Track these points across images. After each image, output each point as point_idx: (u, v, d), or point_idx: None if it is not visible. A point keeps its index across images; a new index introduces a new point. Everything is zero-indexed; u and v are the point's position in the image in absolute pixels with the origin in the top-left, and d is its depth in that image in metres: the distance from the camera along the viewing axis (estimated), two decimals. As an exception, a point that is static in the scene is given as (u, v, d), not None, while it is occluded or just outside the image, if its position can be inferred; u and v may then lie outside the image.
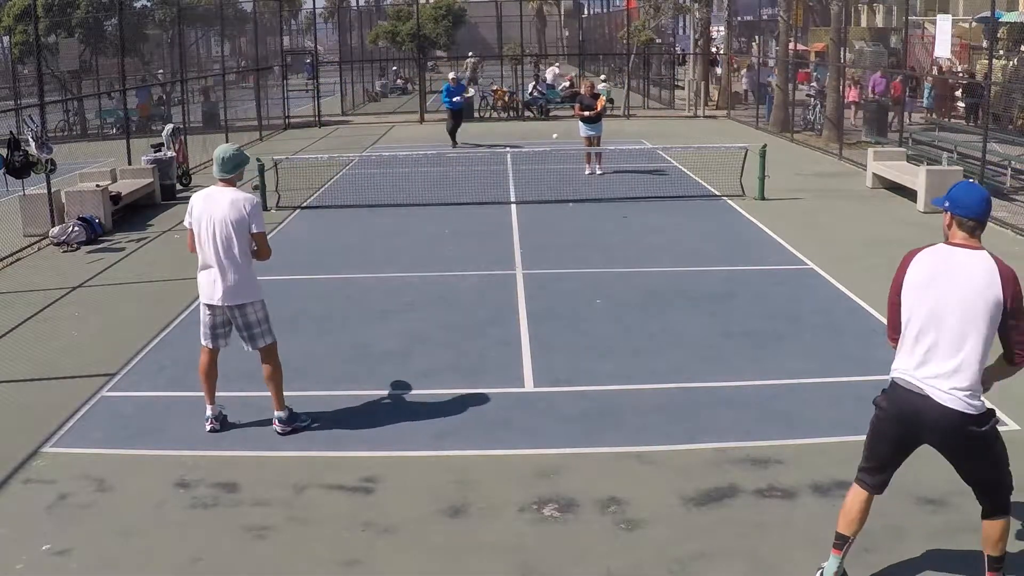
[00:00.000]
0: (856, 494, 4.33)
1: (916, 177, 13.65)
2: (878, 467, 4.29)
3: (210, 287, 6.02)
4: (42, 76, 15.35)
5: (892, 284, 4.21)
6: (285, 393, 6.32)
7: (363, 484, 5.58)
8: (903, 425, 4.13)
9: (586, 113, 16.83)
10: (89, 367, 7.63)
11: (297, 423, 6.31)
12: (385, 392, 6.98)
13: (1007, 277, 3.96)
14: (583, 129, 17.03)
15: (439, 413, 6.59)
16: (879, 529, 4.91)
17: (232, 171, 6.03)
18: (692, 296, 9.34)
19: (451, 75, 22.66)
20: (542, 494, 5.39)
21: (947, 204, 4.15)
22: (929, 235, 12.24)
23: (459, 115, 21.68)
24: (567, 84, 31.53)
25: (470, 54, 40.63)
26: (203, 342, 6.25)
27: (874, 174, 15.28)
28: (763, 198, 14.09)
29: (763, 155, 14.16)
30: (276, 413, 6.26)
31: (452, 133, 21.45)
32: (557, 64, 35.73)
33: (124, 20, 22.79)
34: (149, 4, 34.56)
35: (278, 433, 6.24)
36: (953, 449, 4.13)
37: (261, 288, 6.17)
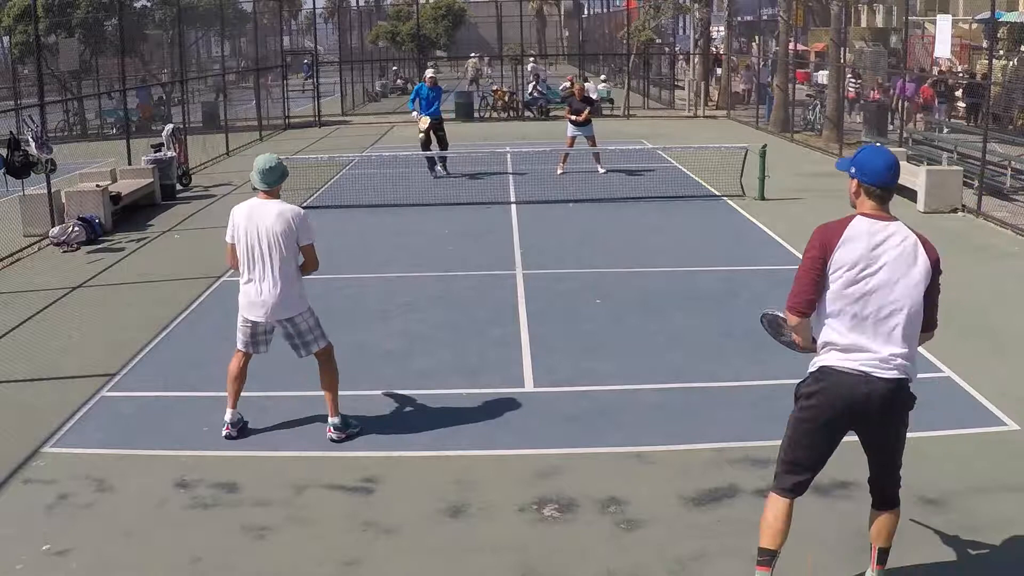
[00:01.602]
0: (774, 503, 4.11)
1: (916, 177, 13.64)
2: (801, 468, 4.11)
3: (255, 303, 5.87)
4: (42, 76, 15.33)
5: (811, 256, 3.95)
6: (285, 393, 6.33)
7: (363, 484, 5.58)
8: (840, 410, 3.95)
9: (573, 117, 16.95)
10: (89, 367, 7.63)
11: (350, 429, 6.19)
12: (385, 392, 6.98)
13: (929, 247, 3.99)
14: (570, 130, 17.11)
15: (439, 413, 6.59)
16: (879, 529, 4.92)
17: (276, 182, 5.85)
18: (692, 296, 9.35)
19: (428, 73, 17.70)
20: (542, 494, 5.39)
21: (853, 170, 4.02)
22: (929, 235, 12.17)
23: (440, 126, 16.71)
24: (567, 84, 31.52)
25: (473, 54, 40.63)
26: (239, 347, 6.11)
27: (874, 174, 15.25)
28: (763, 198, 14.09)
29: (763, 155, 14.16)
30: (331, 420, 6.12)
31: (428, 148, 16.65)
32: (534, 60, 35.83)
33: (124, 20, 22.79)
34: (149, 4, 34.55)
35: (333, 440, 6.07)
36: (888, 418, 3.98)
37: (307, 296, 6.06)
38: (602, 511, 5.20)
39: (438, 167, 16.85)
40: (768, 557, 4.09)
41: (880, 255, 3.91)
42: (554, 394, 6.92)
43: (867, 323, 3.89)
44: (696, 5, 30.06)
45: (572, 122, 17.02)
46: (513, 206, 14.23)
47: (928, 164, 15.19)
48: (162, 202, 15.15)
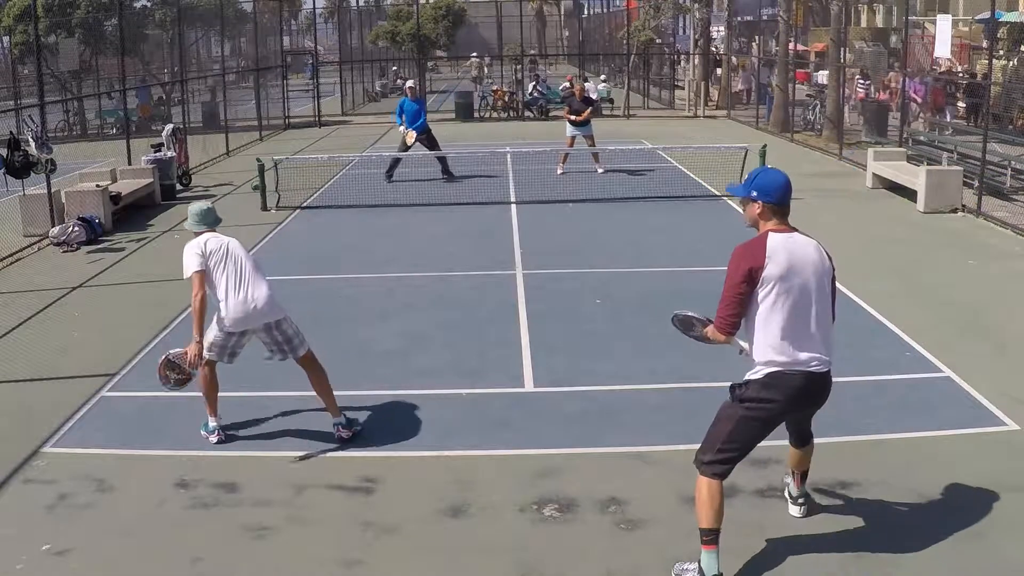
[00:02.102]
0: (712, 487, 4.47)
1: (916, 177, 13.65)
2: (739, 456, 4.52)
3: (247, 312, 5.94)
4: (42, 76, 15.33)
5: (738, 276, 4.32)
6: (285, 393, 6.33)
7: (363, 484, 5.58)
8: (791, 405, 4.41)
9: (572, 117, 17.08)
10: (89, 367, 7.63)
11: (355, 426, 6.23)
12: (385, 392, 6.98)
13: (824, 249, 4.45)
14: (570, 130, 17.21)
15: (439, 413, 6.59)
16: (879, 529, 4.92)
17: (215, 223, 6.22)
18: (692, 296, 9.31)
19: (408, 84, 17.57)
20: (542, 494, 5.39)
21: (755, 194, 4.45)
22: (929, 235, 12.31)
23: (428, 135, 16.43)
24: (567, 84, 31.52)
25: (474, 54, 40.59)
26: (211, 357, 6.07)
27: (874, 174, 15.28)
28: (763, 198, 14.05)
29: (763, 155, 14.16)
30: (335, 419, 6.17)
31: (395, 167, 16.37)
32: (537, 64, 36.09)
33: (124, 20, 22.78)
34: (149, 4, 34.53)
35: (343, 439, 6.10)
36: (820, 400, 4.54)
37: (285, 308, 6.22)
38: (602, 511, 5.20)
39: (395, 172, 16.41)
40: (714, 535, 4.44)
41: (799, 263, 4.32)
42: (554, 394, 6.92)
43: (798, 327, 4.30)
44: (696, 5, 30.05)
45: (571, 122, 17.10)
46: (513, 206, 14.22)
47: (928, 164, 15.19)
48: (162, 202, 15.15)
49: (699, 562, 4.45)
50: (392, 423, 6.46)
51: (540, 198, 14.59)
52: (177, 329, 8.61)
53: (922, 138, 18.45)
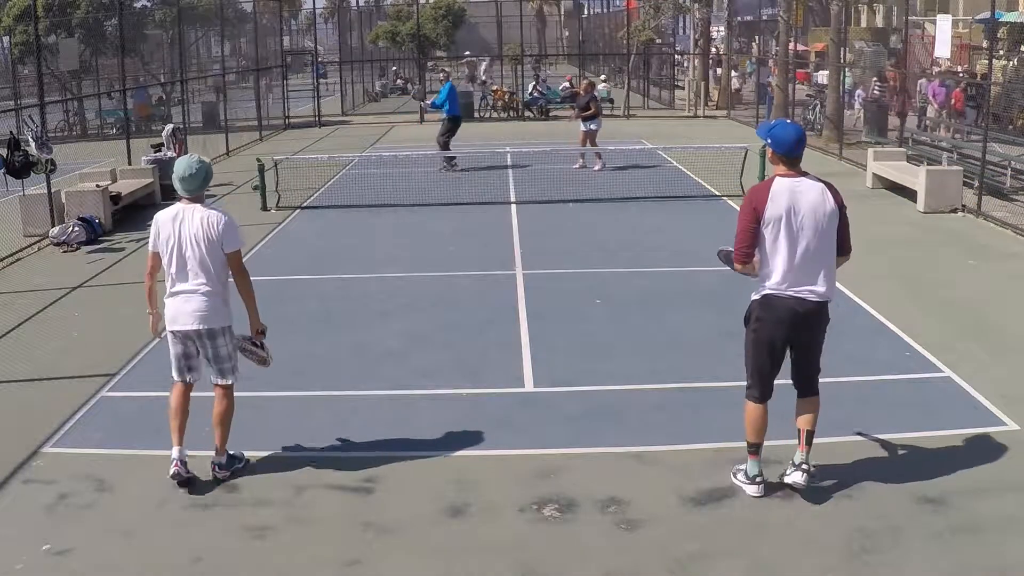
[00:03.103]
0: (750, 409, 5.28)
1: (916, 177, 13.65)
2: (767, 376, 5.21)
3: (182, 310, 5.45)
4: (42, 76, 15.32)
5: (747, 215, 5.04)
6: (285, 393, 6.31)
7: (363, 484, 5.58)
8: (785, 325, 5.08)
9: (585, 114, 17.51)
10: (89, 367, 7.63)
11: (235, 466, 5.73)
12: (385, 392, 6.98)
13: (834, 191, 5.04)
14: (584, 124, 17.67)
15: (439, 413, 6.59)
16: (879, 529, 4.92)
17: (197, 189, 5.47)
18: (692, 296, 9.35)
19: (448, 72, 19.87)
20: (542, 494, 5.39)
21: (769, 141, 5.13)
22: (930, 235, 12.31)
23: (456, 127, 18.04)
24: (567, 84, 31.55)
25: (467, 53, 40.59)
26: (175, 376, 5.64)
27: (874, 174, 15.28)
28: (763, 198, 14.06)
29: (763, 155, 14.15)
30: (217, 458, 5.65)
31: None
32: (538, 65, 36.14)
33: (124, 20, 22.77)
34: (149, 4, 34.55)
35: (219, 479, 5.60)
36: (814, 328, 5.16)
37: (232, 316, 5.62)
38: (602, 511, 5.20)
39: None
40: (756, 447, 5.29)
41: (800, 204, 4.97)
42: (554, 394, 6.92)
43: (795, 259, 4.98)
44: (696, 5, 30.06)
45: (584, 119, 17.59)
46: (513, 206, 14.22)
47: (928, 164, 15.19)
48: (162, 202, 15.12)
49: (746, 466, 5.32)
50: (392, 423, 6.45)
51: (540, 198, 14.59)
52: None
53: (947, 146, 17.98)
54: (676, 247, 11.52)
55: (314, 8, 41.92)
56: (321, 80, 31.17)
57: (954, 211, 13.16)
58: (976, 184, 13.44)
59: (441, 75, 18.58)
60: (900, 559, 4.66)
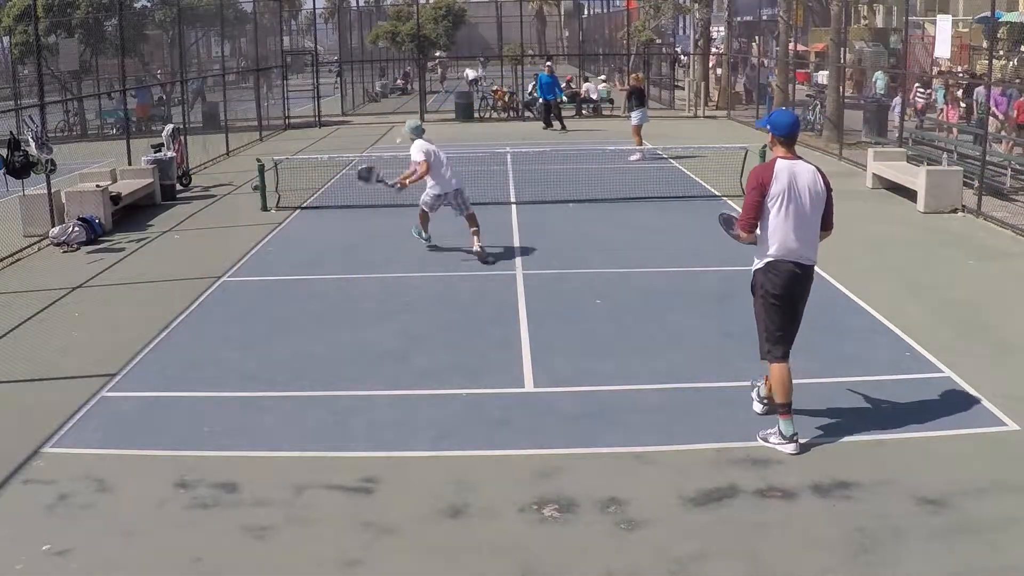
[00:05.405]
0: (782, 370, 5.81)
1: (916, 177, 13.64)
2: (786, 335, 5.82)
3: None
4: (42, 76, 15.34)
5: (755, 190, 5.68)
6: (284, 393, 6.29)
7: (363, 484, 5.58)
8: (789, 286, 5.75)
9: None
10: (89, 367, 7.63)
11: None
12: (385, 392, 6.98)
13: (823, 175, 5.78)
14: (635, 119, 19.42)
15: (439, 413, 6.59)
16: (879, 529, 4.92)
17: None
18: (692, 296, 9.35)
19: (548, 63, 25.78)
20: (542, 494, 5.39)
21: (769, 127, 5.84)
22: (929, 235, 12.30)
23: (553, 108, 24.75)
24: (565, 84, 31.49)
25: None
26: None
27: (874, 174, 15.27)
28: (763, 198, 14.06)
29: (763, 155, 14.14)
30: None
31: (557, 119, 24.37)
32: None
33: (124, 20, 22.77)
34: (149, 4, 34.54)
35: None
36: (808, 288, 5.87)
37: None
38: (602, 511, 5.20)
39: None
40: (787, 406, 5.81)
41: (798, 183, 5.67)
42: (554, 394, 6.91)
43: (791, 229, 5.67)
44: (696, 5, 30.06)
45: (633, 108, 19.42)
46: (513, 206, 14.22)
47: (928, 164, 15.19)
48: (162, 202, 15.14)
49: (779, 427, 5.81)
50: (392, 423, 6.45)
51: (540, 198, 14.59)
52: (177, 329, 8.61)
53: (918, 137, 17.98)
54: (676, 247, 11.52)
55: (314, 8, 41.96)
56: (336, 78, 31.30)
57: (954, 211, 13.16)
58: (976, 184, 13.44)
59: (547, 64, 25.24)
60: (900, 559, 4.66)
